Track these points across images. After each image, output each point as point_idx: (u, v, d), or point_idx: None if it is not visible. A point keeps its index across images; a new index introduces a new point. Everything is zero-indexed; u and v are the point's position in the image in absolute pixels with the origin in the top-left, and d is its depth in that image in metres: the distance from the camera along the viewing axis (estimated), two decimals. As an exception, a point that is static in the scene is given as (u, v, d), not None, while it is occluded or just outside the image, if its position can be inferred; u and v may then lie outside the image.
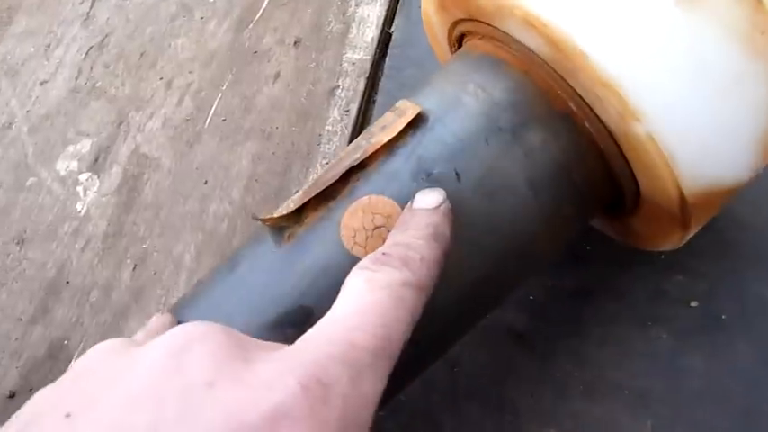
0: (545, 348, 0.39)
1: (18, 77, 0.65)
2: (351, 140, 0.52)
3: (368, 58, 0.56)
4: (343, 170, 0.29)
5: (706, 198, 0.28)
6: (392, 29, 0.57)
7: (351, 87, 0.54)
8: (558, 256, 0.36)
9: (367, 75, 0.55)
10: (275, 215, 0.29)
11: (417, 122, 0.30)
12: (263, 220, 0.29)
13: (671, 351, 0.38)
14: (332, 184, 0.29)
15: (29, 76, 0.65)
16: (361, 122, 0.53)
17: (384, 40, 0.57)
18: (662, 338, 0.38)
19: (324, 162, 0.51)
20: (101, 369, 0.22)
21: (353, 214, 0.28)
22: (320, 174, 0.30)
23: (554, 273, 0.41)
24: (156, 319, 0.30)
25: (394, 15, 0.59)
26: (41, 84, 0.64)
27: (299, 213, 0.29)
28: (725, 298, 0.38)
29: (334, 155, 0.51)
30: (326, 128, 0.53)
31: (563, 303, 0.40)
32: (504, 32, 0.30)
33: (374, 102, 0.54)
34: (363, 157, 0.29)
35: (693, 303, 0.39)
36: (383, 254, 0.24)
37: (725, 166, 0.27)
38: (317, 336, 0.22)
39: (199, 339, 0.21)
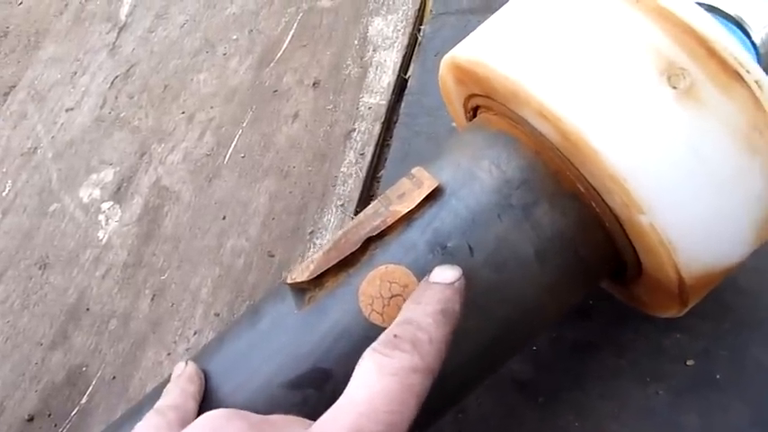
0: (548, 398, 0.41)
1: (44, 103, 0.67)
2: (365, 184, 0.54)
3: (384, 102, 0.57)
4: (363, 238, 0.31)
5: (704, 279, 0.30)
6: (408, 75, 0.59)
7: (366, 131, 0.56)
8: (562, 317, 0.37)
9: (382, 119, 0.56)
10: (297, 279, 0.31)
11: (434, 195, 0.31)
12: (287, 284, 0.31)
13: (668, 408, 0.39)
14: (352, 252, 0.31)
15: (55, 102, 0.67)
16: (376, 165, 0.55)
17: (400, 86, 0.59)
18: (659, 395, 0.40)
19: (339, 203, 0.53)
20: None
21: (371, 282, 0.30)
22: (339, 235, 0.32)
23: (558, 325, 0.43)
24: (182, 371, 0.32)
25: (410, 61, 0.61)
26: (67, 111, 0.66)
27: (319, 278, 0.31)
28: (721, 359, 0.40)
29: (349, 197, 0.53)
30: (342, 170, 0.55)
31: (566, 355, 0.42)
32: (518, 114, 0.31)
33: (388, 145, 0.56)
34: (383, 228, 0.31)
35: (690, 362, 0.40)
36: (395, 336, 0.26)
37: (722, 252, 0.29)
38: (330, 421, 0.24)
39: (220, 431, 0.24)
